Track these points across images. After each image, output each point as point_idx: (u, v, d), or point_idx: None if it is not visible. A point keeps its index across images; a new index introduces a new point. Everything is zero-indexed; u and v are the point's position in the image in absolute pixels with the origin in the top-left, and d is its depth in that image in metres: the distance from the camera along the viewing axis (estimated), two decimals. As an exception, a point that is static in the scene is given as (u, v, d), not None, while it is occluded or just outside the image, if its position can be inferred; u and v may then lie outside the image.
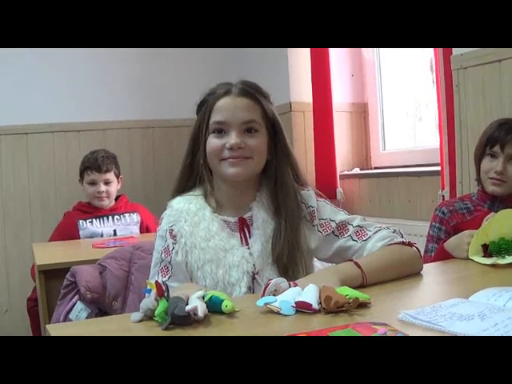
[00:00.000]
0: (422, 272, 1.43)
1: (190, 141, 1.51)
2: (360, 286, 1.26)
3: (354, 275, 1.28)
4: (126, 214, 3.26)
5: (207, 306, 1.12)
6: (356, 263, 1.31)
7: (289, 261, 1.42)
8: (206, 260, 1.42)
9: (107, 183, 3.23)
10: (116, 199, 3.33)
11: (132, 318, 1.15)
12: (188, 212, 1.46)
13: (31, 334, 3.22)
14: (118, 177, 3.30)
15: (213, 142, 1.45)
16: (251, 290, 1.41)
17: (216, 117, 1.45)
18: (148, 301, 1.14)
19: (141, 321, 1.13)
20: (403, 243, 1.43)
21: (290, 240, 1.42)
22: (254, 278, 1.42)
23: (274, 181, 1.49)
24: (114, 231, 3.18)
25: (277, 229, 1.44)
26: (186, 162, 1.52)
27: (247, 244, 1.46)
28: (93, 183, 3.21)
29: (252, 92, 1.47)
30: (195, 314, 1.08)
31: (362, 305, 1.13)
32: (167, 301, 1.12)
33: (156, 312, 1.12)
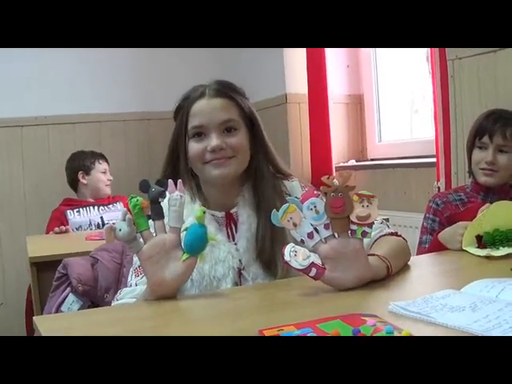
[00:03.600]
0: (414, 263, 1.42)
1: (170, 148, 1.50)
2: (386, 277, 1.24)
3: (377, 263, 1.25)
4: (110, 205, 3.46)
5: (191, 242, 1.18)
6: (378, 255, 1.27)
7: (270, 256, 1.39)
8: None
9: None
10: None
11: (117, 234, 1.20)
12: None
13: (25, 327, 3.24)
14: None
15: (194, 146, 1.43)
16: (238, 285, 1.39)
17: (193, 121, 1.43)
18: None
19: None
20: (392, 234, 1.42)
21: (271, 235, 1.39)
22: (240, 274, 1.40)
23: (254, 176, 1.48)
24: (101, 218, 3.34)
25: (259, 224, 1.43)
26: (167, 171, 1.51)
27: (234, 239, 1.44)
28: (105, 172, 3.51)
29: (226, 91, 1.45)
30: None
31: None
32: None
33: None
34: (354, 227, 1.17)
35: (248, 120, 1.48)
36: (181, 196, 1.21)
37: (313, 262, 1.16)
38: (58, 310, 1.94)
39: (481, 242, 1.57)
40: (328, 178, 1.17)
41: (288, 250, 1.16)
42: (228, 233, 1.45)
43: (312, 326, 0.92)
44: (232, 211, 1.47)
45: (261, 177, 1.47)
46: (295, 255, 1.15)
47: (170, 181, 1.23)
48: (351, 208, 1.17)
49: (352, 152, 3.50)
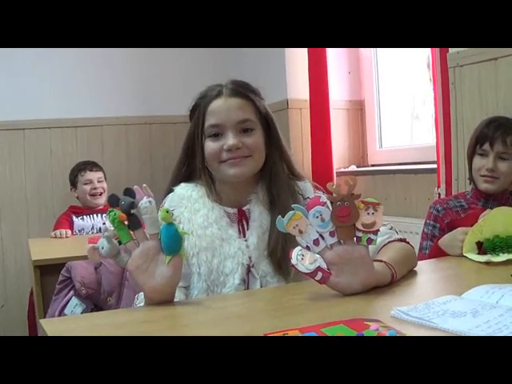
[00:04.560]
0: (415, 269, 1.43)
1: (185, 147, 1.51)
2: (390, 283, 1.25)
3: (382, 269, 1.25)
4: None
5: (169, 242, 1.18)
6: (384, 261, 1.28)
7: (282, 256, 1.40)
8: (202, 247, 1.42)
9: (99, 181, 3.55)
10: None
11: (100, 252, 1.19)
12: (189, 199, 1.47)
13: (27, 329, 3.25)
14: (105, 179, 3.62)
15: (210, 145, 1.45)
16: (245, 282, 1.40)
17: (210, 120, 1.45)
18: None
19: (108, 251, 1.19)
20: (400, 240, 1.43)
21: (284, 234, 1.39)
22: (249, 271, 1.41)
23: (269, 175, 1.49)
24: (104, 224, 3.32)
25: (272, 222, 1.43)
26: (182, 168, 1.52)
27: (244, 236, 1.46)
28: (88, 182, 3.52)
29: (243, 91, 1.47)
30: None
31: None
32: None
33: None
34: (359, 234, 1.19)
35: (264, 120, 1.49)
36: (150, 202, 1.20)
37: (319, 267, 1.17)
38: (61, 313, 1.96)
39: (481, 248, 1.59)
40: (333, 186, 1.18)
41: (295, 254, 1.17)
42: (239, 229, 1.46)
43: (316, 330, 0.93)
44: (244, 208, 1.48)
45: (275, 176, 1.49)
46: (302, 259, 1.16)
47: (137, 187, 1.21)
48: (357, 216, 1.18)
49: (353, 157, 3.52)
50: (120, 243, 1.20)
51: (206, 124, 1.45)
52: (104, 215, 3.44)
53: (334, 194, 1.18)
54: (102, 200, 3.52)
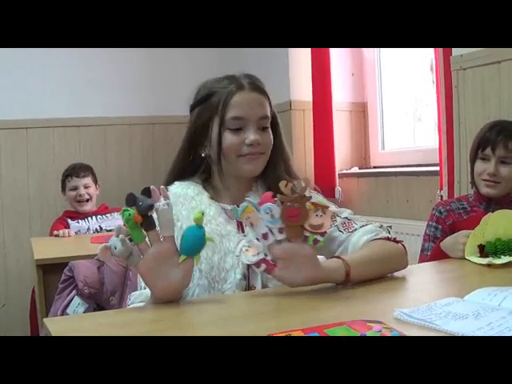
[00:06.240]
0: (417, 271, 1.43)
1: (192, 133, 1.48)
2: (345, 281, 1.26)
3: (335, 266, 1.27)
4: (108, 214, 3.53)
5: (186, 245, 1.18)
6: (338, 257, 1.30)
7: None
8: None
9: (86, 187, 3.52)
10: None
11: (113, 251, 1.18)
12: (185, 197, 1.46)
13: (29, 329, 3.25)
14: (95, 184, 3.58)
15: (230, 137, 1.42)
16: (246, 277, 1.40)
17: (233, 112, 1.42)
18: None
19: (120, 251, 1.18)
20: (388, 239, 1.42)
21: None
22: (249, 266, 1.41)
23: (270, 174, 1.49)
24: (100, 227, 3.45)
25: None
26: (183, 156, 1.52)
27: (243, 232, 1.45)
28: (74, 189, 3.49)
29: (262, 87, 1.47)
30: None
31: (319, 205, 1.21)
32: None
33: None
34: (306, 234, 1.21)
35: (272, 119, 1.49)
36: (167, 204, 1.19)
37: (263, 259, 1.21)
38: (63, 313, 1.96)
39: (483, 251, 1.59)
40: (286, 186, 1.20)
41: (240, 246, 1.23)
42: (238, 225, 1.46)
43: (319, 331, 0.94)
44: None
45: (275, 175, 1.48)
46: (247, 250, 1.22)
47: (153, 188, 1.20)
48: (306, 218, 1.20)
49: (355, 159, 3.52)
50: (130, 240, 1.20)
51: (226, 115, 1.42)
52: (99, 217, 3.47)
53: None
54: (88, 206, 3.49)
